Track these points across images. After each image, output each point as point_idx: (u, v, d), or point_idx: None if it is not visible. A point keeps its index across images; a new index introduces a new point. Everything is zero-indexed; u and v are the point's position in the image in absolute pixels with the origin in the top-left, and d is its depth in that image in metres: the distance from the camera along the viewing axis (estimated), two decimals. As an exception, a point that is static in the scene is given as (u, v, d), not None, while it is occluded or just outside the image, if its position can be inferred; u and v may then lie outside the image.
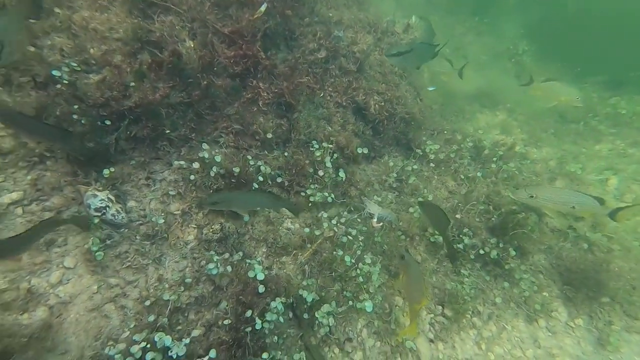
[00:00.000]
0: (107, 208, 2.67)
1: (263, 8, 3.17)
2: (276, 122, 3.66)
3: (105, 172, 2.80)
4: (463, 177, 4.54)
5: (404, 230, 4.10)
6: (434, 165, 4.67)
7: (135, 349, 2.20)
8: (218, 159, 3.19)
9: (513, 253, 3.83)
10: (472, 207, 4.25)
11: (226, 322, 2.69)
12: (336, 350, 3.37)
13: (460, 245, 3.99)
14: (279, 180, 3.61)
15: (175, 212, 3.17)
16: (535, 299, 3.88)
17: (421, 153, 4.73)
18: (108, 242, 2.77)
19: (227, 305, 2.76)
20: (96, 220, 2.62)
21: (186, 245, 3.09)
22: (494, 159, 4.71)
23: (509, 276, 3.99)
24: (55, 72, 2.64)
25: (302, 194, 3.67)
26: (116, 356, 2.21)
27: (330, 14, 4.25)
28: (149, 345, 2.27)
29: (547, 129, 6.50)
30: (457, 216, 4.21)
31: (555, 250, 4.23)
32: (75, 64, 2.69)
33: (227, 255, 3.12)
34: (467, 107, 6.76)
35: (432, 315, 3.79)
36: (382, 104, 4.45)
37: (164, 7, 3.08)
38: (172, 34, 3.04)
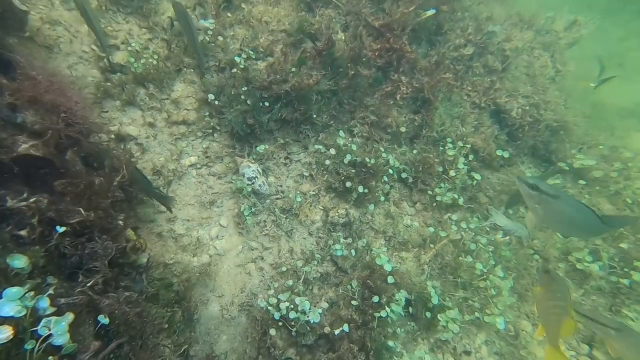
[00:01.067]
0: (256, 179, 2.91)
1: (430, 12, 3.06)
2: (409, 116, 3.50)
3: (260, 148, 3.07)
4: (630, 201, 3.60)
5: (537, 250, 3.47)
6: (584, 182, 3.83)
7: (283, 305, 2.34)
8: (354, 147, 3.19)
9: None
10: (642, 240, 3.33)
11: (354, 302, 2.65)
12: (450, 358, 3.04)
13: (626, 281, 3.16)
14: (403, 175, 3.44)
15: (305, 192, 3.29)
16: None
17: (567, 167, 3.94)
18: (253, 209, 3.03)
19: (356, 286, 2.71)
20: (249, 188, 2.89)
21: (313, 224, 3.18)
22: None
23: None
24: (237, 58, 2.99)
25: (429, 192, 3.41)
26: (268, 307, 2.38)
27: (480, 9, 3.86)
28: (292, 306, 2.38)
29: None
30: (623, 246, 3.35)
31: None
32: (252, 52, 3.00)
33: (350, 240, 3.10)
34: (619, 123, 5.43)
35: (574, 353, 3.10)
36: (527, 108, 3.85)
37: (326, 1, 3.21)
38: (328, 26, 3.16)
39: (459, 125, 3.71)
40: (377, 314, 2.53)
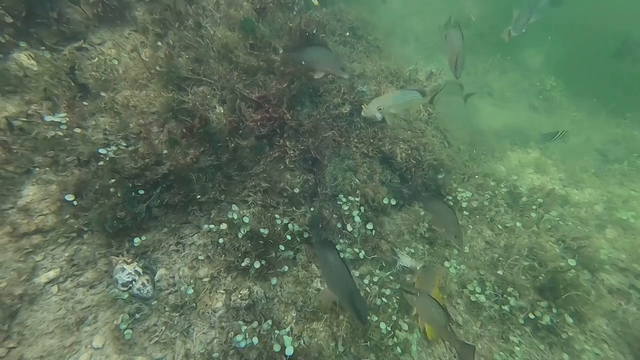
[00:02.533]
0: (134, 282, 2.52)
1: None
2: (303, 177, 3.47)
3: (136, 240, 2.70)
4: (501, 227, 4.05)
5: (440, 287, 3.63)
6: (467, 213, 4.22)
7: None
8: (246, 220, 3.02)
9: (570, 320, 3.23)
10: (514, 262, 3.73)
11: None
12: None
13: (506, 307, 3.46)
14: (305, 236, 3.36)
15: (204, 278, 2.98)
16: (601, 374, 3.20)
17: (452, 200, 4.32)
18: (137, 315, 2.60)
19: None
20: (125, 296, 2.47)
21: (214, 314, 2.86)
22: (534, 207, 4.18)
23: (568, 346, 3.36)
24: (102, 151, 2.63)
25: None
26: None
27: (352, 67, 4.12)
28: None
29: (587, 168, 5.82)
30: (499, 272, 3.70)
31: (619, 315, 3.54)
32: (124, 144, 2.68)
33: (255, 324, 2.85)
34: (497, 145, 6.27)
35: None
36: (409, 152, 4.16)
37: (197, 79, 3.07)
38: (203, 103, 3.01)
39: (352, 177, 3.81)
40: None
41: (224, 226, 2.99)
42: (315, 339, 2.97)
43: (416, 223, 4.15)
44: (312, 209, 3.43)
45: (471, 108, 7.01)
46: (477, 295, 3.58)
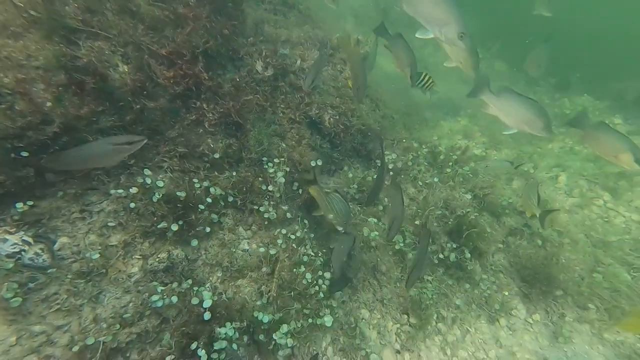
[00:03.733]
0: (23, 252, 2.27)
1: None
2: (225, 142, 3.36)
3: (19, 206, 2.41)
4: (421, 184, 4.35)
5: (364, 241, 3.84)
6: (393, 173, 4.45)
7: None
8: (160, 183, 2.85)
9: (468, 255, 3.62)
10: (430, 212, 4.05)
11: (169, 358, 2.34)
12: None
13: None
14: (230, 199, 3.29)
15: (117, 245, 2.78)
16: (496, 299, 3.68)
17: (379, 163, 4.52)
18: (31, 285, 2.36)
19: (170, 339, 2.39)
20: (10, 265, 2.22)
21: (130, 279, 2.71)
22: (450, 163, 4.54)
23: (470, 278, 3.78)
24: None
25: (260, 211, 3.35)
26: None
27: (277, 33, 4.02)
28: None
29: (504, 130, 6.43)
30: (417, 222, 4.00)
31: (512, 249, 4.06)
32: None
33: (175, 284, 2.76)
34: (431, 116, 6.66)
35: (398, 325, 3.51)
36: (337, 117, 4.23)
37: (92, 32, 2.75)
38: (101, 59, 2.71)
39: (279, 142, 3.78)
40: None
41: (134, 190, 2.80)
42: (240, 294, 2.98)
43: (347, 185, 4.30)
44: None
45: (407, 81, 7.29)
46: (400, 244, 3.85)
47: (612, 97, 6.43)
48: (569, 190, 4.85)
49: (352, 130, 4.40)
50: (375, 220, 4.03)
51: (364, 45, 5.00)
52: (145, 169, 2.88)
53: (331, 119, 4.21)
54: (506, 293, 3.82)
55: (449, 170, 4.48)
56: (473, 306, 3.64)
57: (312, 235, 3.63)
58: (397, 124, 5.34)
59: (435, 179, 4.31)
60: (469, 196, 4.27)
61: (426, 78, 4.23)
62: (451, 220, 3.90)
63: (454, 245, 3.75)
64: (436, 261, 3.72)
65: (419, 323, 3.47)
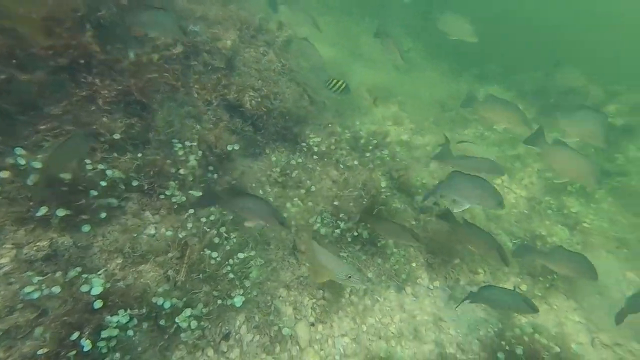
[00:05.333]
0: None
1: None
2: (126, 122, 3.10)
3: None
4: (343, 167, 4.49)
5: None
6: (317, 157, 4.53)
7: None
8: (37, 164, 2.55)
9: (365, 235, 3.86)
10: (349, 193, 4.22)
11: (42, 351, 2.15)
12: (210, 352, 3.02)
13: (338, 230, 3.93)
14: (135, 184, 3.07)
15: (-15, 233, 2.45)
16: (404, 270, 3.99)
17: (306, 147, 4.57)
18: None
19: (42, 332, 2.19)
20: None
21: None
22: (370, 147, 4.75)
23: (383, 253, 4.04)
24: None
25: (167, 194, 3.18)
26: None
27: (192, 8, 3.76)
28: None
29: (429, 117, 6.86)
30: (335, 203, 4.14)
31: (422, 225, 4.42)
32: None
33: (58, 274, 2.52)
34: (364, 102, 6.83)
35: (313, 300, 3.65)
36: (259, 100, 4.15)
37: None
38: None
39: (193, 124, 3.61)
40: (71, 354, 2.13)
41: (4, 174, 2.46)
42: (142, 280, 2.83)
43: (270, 169, 4.28)
44: None
45: (345, 68, 7.41)
46: (317, 225, 3.97)
47: (517, 88, 7.26)
48: (475, 172, 5.40)
49: (274, 114, 4.36)
50: (299, 202, 4.10)
51: (287, 29, 4.92)
52: (17, 148, 2.54)
53: (253, 102, 4.13)
54: (414, 264, 4.18)
55: (368, 154, 4.68)
56: (383, 278, 3.91)
57: (231, 217, 3.57)
58: (327, 110, 5.41)
59: (356, 162, 4.48)
60: (384, 178, 4.53)
61: (338, 83, 4.35)
62: (365, 200, 4.10)
63: (367, 224, 3.97)
64: (349, 239, 3.90)
65: (333, 297, 3.65)
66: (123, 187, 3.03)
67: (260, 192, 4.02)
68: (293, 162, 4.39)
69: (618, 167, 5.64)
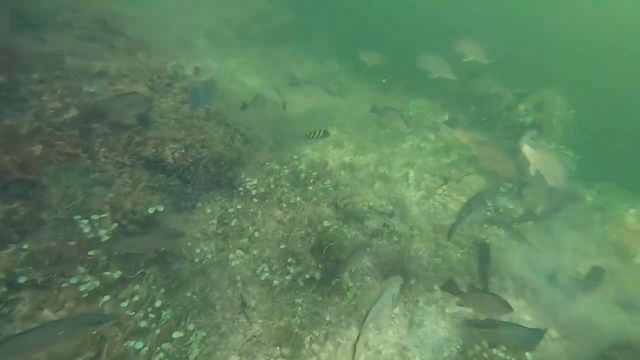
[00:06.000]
0: None
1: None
2: (3, 208, 2.59)
3: None
4: (286, 205, 4.31)
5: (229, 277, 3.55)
6: (257, 199, 4.30)
7: None
8: None
9: (318, 276, 3.71)
10: (296, 233, 4.03)
11: None
12: None
13: (288, 277, 3.70)
14: (21, 280, 2.54)
15: None
16: (363, 303, 3.85)
17: (243, 191, 4.32)
18: None
19: None
20: None
21: None
22: (311, 180, 4.66)
23: (338, 289, 3.88)
24: None
25: (66, 283, 2.68)
26: None
27: (87, 65, 3.40)
28: None
29: (368, 136, 7.01)
30: (282, 247, 3.92)
31: (375, 250, 4.36)
32: None
33: None
34: (302, 130, 6.79)
35: (272, 360, 3.32)
36: (183, 150, 3.84)
37: None
38: None
39: (104, 192, 3.17)
40: None
41: None
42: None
43: (205, 222, 3.95)
44: None
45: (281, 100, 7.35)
46: (265, 274, 3.69)
47: (443, 96, 7.83)
48: (417, 184, 5.60)
49: (204, 162, 4.07)
50: (242, 253, 3.81)
51: (205, 73, 4.74)
52: None
53: (175, 154, 3.81)
54: (373, 294, 4.07)
55: (310, 187, 4.58)
56: (342, 317, 3.73)
57: (163, 290, 3.14)
58: (264, 145, 5.25)
59: (298, 198, 4.34)
60: (330, 209, 4.44)
61: (316, 133, 4.60)
62: (313, 237, 3.95)
63: (319, 264, 3.80)
64: (302, 283, 3.69)
65: (292, 351, 3.36)
66: (5, 289, 2.48)
67: (197, 250, 3.65)
68: (231, 209, 4.11)
69: (536, 160, 6.28)
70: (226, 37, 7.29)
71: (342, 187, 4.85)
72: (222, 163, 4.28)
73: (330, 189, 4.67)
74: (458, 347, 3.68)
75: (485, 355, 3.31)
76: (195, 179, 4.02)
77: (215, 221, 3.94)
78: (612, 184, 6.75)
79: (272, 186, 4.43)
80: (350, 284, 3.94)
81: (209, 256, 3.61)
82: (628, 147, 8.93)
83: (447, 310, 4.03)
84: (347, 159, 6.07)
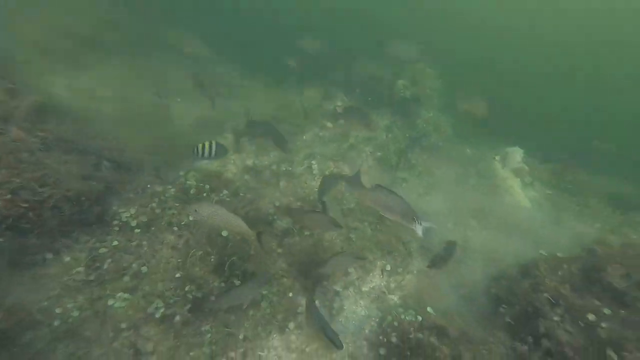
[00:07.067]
0: None
1: None
2: None
3: None
4: (177, 228, 3.85)
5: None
6: (140, 230, 3.73)
7: None
8: None
9: (237, 282, 3.47)
10: (193, 254, 3.64)
11: None
12: None
13: (188, 306, 3.32)
14: None
15: None
16: (280, 309, 3.73)
17: (118, 224, 3.69)
18: None
19: None
20: None
21: None
22: (204, 194, 4.28)
23: (253, 300, 3.66)
24: None
25: None
26: None
27: None
28: None
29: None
30: (177, 275, 3.50)
31: (288, 249, 4.26)
32: None
33: None
34: (196, 141, 6.24)
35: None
36: (8, 196, 3.03)
37: None
38: None
39: None
40: None
41: None
42: None
43: (67, 273, 3.25)
44: None
45: (160, 113, 6.65)
46: (160, 310, 3.24)
47: (332, 84, 8.19)
48: (322, 173, 5.71)
49: (52, 201, 3.32)
50: (126, 294, 3.25)
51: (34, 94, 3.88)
52: None
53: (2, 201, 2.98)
54: (290, 294, 3.98)
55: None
56: (259, 328, 3.54)
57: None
58: (144, 167, 4.61)
59: (191, 218, 3.92)
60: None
61: (206, 145, 4.11)
62: (213, 256, 3.63)
63: (222, 284, 3.50)
64: (207, 310, 3.36)
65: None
66: None
67: (57, 310, 2.96)
68: (104, 249, 3.47)
69: (421, 130, 7.12)
70: (72, 49, 6.11)
71: (241, 194, 4.60)
72: (84, 198, 3.57)
73: (228, 199, 4.37)
74: (377, 320, 3.88)
75: (395, 323, 3.56)
76: (43, 224, 3.25)
77: (81, 268, 3.27)
78: (483, 138, 8.12)
79: (157, 211, 3.90)
80: (264, 292, 3.77)
81: (75, 313, 2.96)
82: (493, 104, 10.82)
83: (363, 289, 4.21)
84: (249, 162, 5.82)
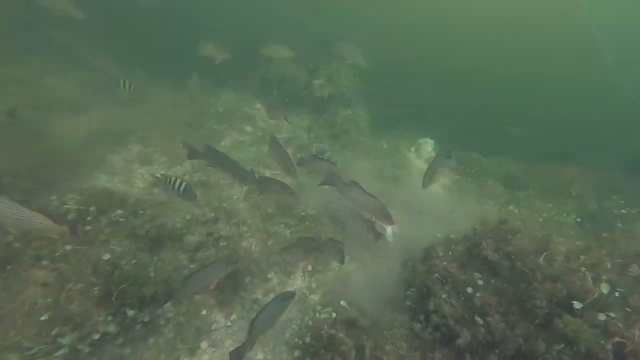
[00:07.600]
0: None
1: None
2: None
3: None
4: (48, 262, 3.26)
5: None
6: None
7: None
8: None
9: (131, 313, 3.10)
10: (71, 289, 3.12)
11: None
12: None
13: (62, 351, 2.84)
14: None
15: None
16: (190, 328, 3.46)
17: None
18: None
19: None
20: None
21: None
22: (88, 218, 3.72)
23: (154, 326, 3.33)
24: None
25: None
26: None
27: None
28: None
29: (180, 142, 6.30)
30: (44, 317, 2.96)
31: (201, 264, 3.97)
32: None
33: None
34: (91, 156, 5.42)
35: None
36: None
37: None
38: None
39: None
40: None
41: None
42: None
43: None
44: None
45: (43, 125, 5.65)
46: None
47: (249, 87, 7.95)
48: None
49: None
50: None
51: None
52: None
53: None
54: (204, 312, 3.73)
55: (89, 227, 3.65)
56: (162, 357, 3.22)
57: None
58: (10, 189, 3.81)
59: (68, 247, 3.36)
60: (127, 243, 3.69)
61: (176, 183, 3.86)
62: (98, 287, 3.16)
63: (109, 317, 3.08)
64: (87, 349, 2.92)
65: None
66: None
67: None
68: None
69: (341, 128, 7.37)
70: None
71: (141, 212, 4.12)
72: None
73: (122, 219, 3.86)
74: (298, 322, 3.87)
75: (310, 322, 3.60)
76: None
77: None
78: (399, 131, 8.78)
79: (16, 245, 3.23)
80: (170, 315, 3.45)
81: None
82: (406, 99, 11.76)
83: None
84: (161, 174, 5.27)
